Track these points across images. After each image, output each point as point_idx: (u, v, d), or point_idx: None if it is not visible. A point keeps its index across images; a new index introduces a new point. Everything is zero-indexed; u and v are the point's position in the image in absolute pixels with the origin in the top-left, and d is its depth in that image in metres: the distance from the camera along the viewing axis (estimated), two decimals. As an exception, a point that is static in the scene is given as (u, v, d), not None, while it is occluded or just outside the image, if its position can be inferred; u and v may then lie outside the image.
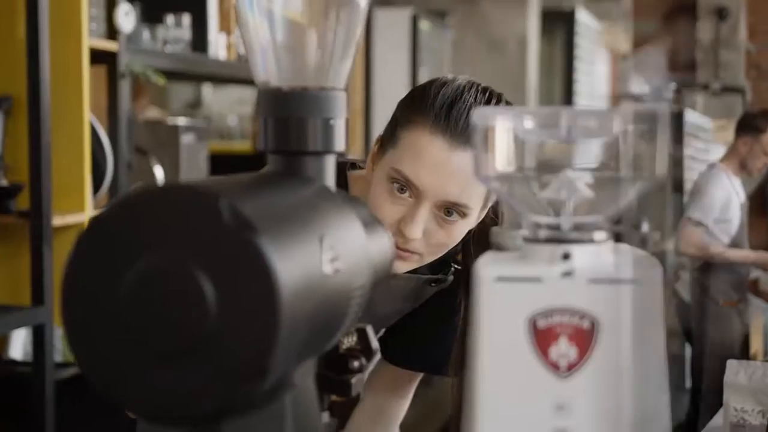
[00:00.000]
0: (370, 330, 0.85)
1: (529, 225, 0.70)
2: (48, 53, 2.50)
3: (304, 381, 0.72)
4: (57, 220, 2.55)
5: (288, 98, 0.76)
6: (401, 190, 1.29)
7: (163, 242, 0.61)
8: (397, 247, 1.29)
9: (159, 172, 3.20)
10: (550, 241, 0.69)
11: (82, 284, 0.63)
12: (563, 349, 0.67)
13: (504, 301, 0.67)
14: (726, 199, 4.61)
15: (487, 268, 0.68)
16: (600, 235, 0.69)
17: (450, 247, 1.34)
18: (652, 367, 0.67)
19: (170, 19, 3.27)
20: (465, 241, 1.38)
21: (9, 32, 2.64)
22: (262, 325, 0.60)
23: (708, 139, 7.09)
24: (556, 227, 0.70)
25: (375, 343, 0.86)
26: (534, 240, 0.70)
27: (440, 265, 1.45)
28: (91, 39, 2.76)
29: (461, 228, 1.31)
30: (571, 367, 0.67)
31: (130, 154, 3.01)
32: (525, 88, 6.11)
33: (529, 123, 0.68)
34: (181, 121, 3.47)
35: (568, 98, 7.59)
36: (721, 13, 8.24)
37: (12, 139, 2.64)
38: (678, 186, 6.35)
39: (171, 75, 3.65)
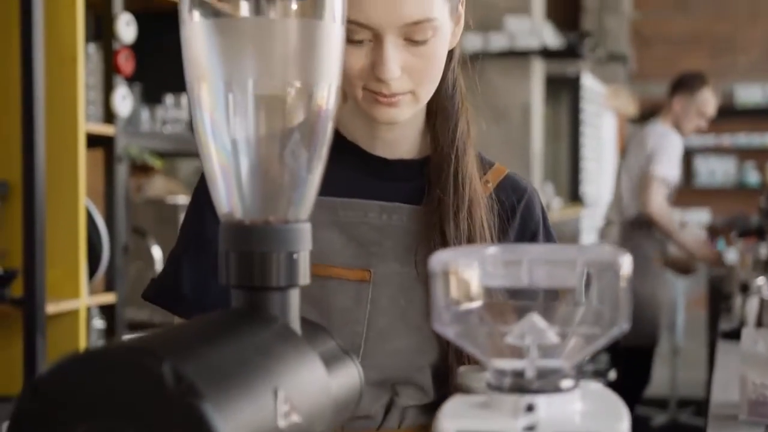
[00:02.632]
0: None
1: (492, 371, 0.68)
2: (44, 138, 2.49)
3: None
4: (51, 308, 2.52)
5: (250, 232, 0.74)
6: (355, 40, 1.19)
7: (103, 408, 0.58)
8: (385, 96, 1.21)
9: (157, 253, 3.18)
10: (514, 389, 0.66)
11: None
12: None
13: (465, 456, 0.64)
14: (680, 156, 4.63)
15: (448, 420, 0.65)
16: (567, 383, 0.67)
17: (437, 74, 1.25)
18: None
19: (169, 99, 3.28)
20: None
21: (4, 116, 2.64)
22: (206, 494, 0.57)
23: (600, 103, 7.11)
24: (521, 373, 0.67)
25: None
26: (497, 388, 0.67)
27: None
28: (88, 123, 2.75)
29: (437, 46, 1.23)
30: None
31: (127, 236, 2.99)
32: (530, 155, 6.10)
33: (489, 268, 0.66)
34: (182, 199, 3.45)
35: (574, 162, 7.58)
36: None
37: (7, 224, 2.63)
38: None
39: (171, 154, 3.65)
